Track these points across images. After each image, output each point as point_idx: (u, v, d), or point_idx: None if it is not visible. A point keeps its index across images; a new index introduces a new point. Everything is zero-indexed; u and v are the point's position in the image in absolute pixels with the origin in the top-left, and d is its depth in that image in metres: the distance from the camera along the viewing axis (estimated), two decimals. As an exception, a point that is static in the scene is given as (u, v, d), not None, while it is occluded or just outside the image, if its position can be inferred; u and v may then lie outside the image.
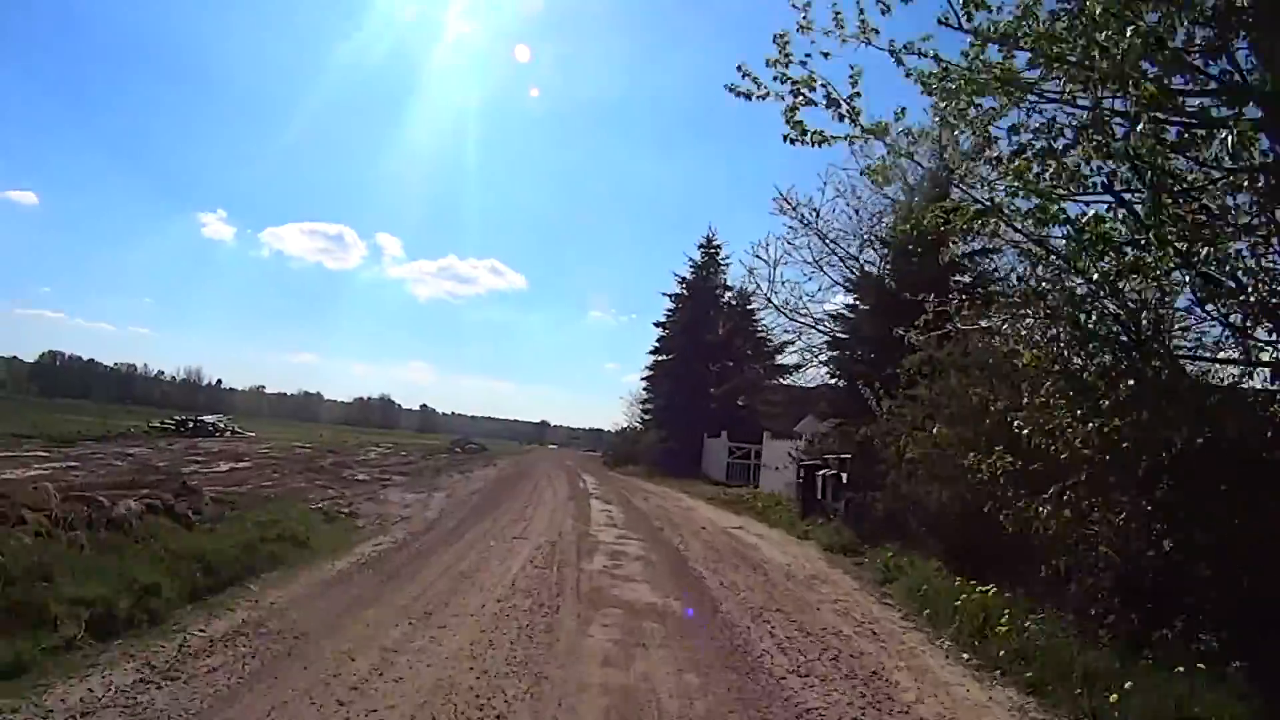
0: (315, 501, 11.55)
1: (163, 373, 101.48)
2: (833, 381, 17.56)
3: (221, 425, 36.30)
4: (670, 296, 35.07)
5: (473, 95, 77.07)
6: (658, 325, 35.76)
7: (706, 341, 31.06)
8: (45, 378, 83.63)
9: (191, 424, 33.99)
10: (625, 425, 45.77)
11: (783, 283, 19.55)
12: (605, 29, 72.54)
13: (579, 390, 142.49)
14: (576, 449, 64.71)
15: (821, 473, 12.83)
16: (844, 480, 12.38)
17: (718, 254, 34.23)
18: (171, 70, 77.53)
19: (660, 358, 36.01)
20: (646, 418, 38.55)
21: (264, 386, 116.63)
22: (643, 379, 37.73)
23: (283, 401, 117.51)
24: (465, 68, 78.91)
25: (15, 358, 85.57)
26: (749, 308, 30.01)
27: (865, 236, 17.45)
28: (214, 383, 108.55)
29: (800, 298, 19.20)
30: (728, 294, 33.64)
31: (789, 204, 18.37)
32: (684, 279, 34.62)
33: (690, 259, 34.61)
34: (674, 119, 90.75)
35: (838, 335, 17.69)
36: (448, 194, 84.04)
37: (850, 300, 17.29)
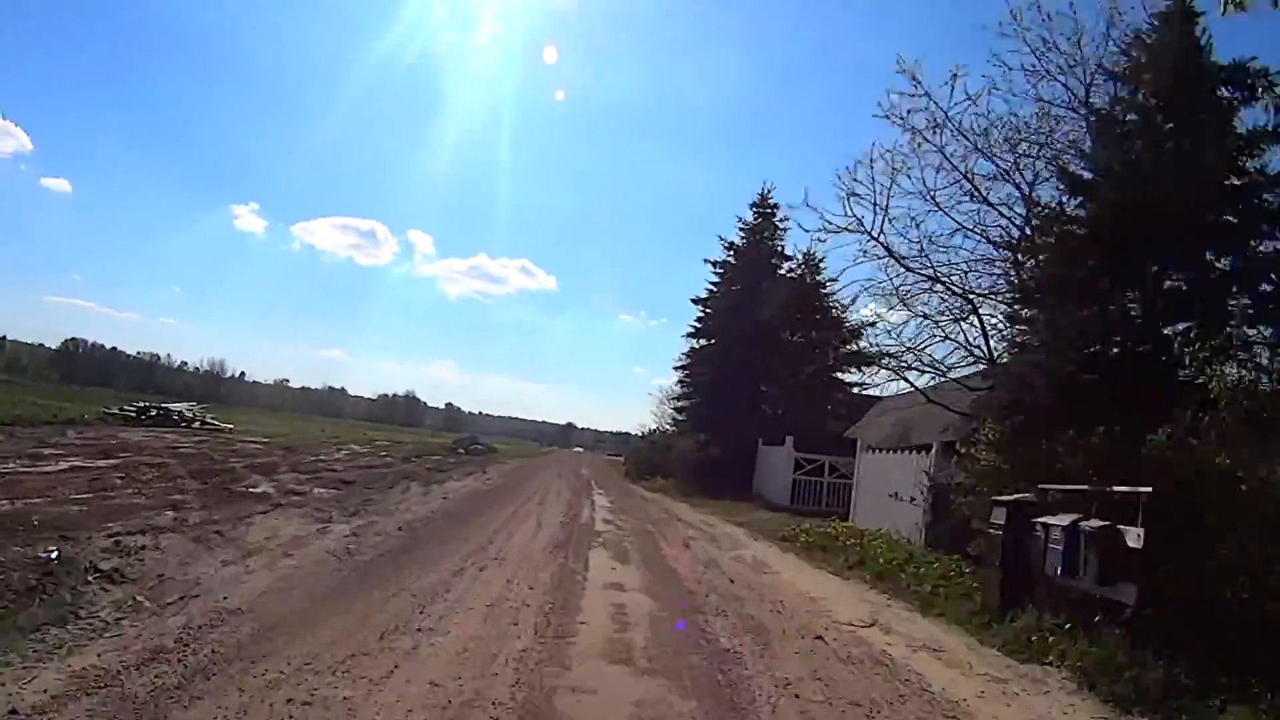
0: (85, 541, 6.25)
1: (186, 363, 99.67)
2: (1001, 360, 10.62)
3: (190, 415, 32.38)
4: (714, 265, 28.19)
5: (501, 95, 73.16)
6: (696, 303, 28.83)
7: (759, 322, 23.92)
8: (66, 364, 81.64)
9: (156, 411, 29.84)
10: (654, 428, 39.04)
11: (889, 220, 12.14)
12: (632, 29, 67.25)
13: (606, 393, 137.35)
14: (601, 452, 60.26)
15: (1080, 526, 5.89)
16: (1131, 544, 5.55)
17: (774, 214, 27.24)
18: (207, 63, 75.41)
19: (698, 343, 29.04)
20: (680, 418, 31.73)
21: (289, 380, 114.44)
22: (677, 369, 30.72)
23: (307, 396, 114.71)
24: (494, 67, 74.68)
25: (41, 345, 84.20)
26: (819, 278, 22.98)
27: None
28: (237, 375, 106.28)
29: (923, 241, 12.01)
30: (786, 264, 26.64)
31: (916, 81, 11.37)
32: (731, 244, 27.72)
33: (741, 220, 27.71)
34: (704, 121, 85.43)
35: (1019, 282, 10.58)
36: (478, 192, 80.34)
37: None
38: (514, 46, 73.63)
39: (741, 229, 27.49)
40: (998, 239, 11.82)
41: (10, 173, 69.98)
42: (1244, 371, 6.74)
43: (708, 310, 28.36)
